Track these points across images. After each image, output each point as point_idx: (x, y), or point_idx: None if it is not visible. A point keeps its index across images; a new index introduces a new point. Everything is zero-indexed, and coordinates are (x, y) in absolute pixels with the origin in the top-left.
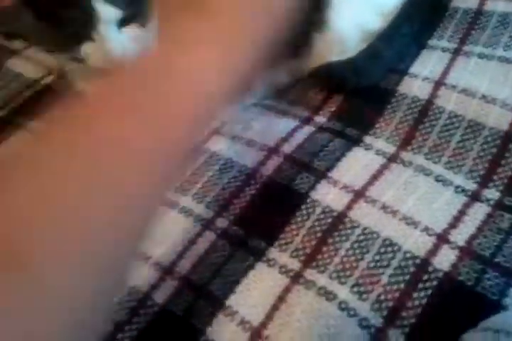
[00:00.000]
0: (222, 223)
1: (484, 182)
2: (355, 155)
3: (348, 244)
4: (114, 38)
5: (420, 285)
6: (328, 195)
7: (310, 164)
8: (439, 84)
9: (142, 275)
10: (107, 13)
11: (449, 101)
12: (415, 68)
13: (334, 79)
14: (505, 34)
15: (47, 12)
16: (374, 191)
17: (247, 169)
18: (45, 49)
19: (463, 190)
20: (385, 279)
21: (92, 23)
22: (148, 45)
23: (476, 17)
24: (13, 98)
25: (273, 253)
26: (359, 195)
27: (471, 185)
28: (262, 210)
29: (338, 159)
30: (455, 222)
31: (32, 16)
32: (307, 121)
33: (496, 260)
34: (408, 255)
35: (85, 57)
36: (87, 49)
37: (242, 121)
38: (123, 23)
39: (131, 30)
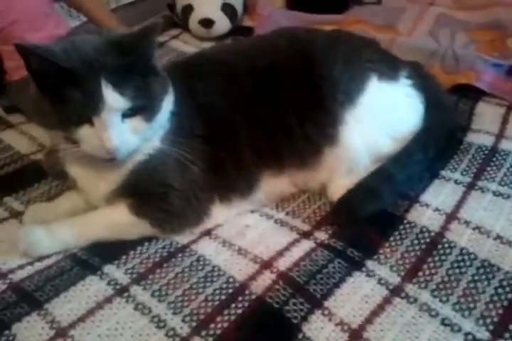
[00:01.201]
0: None
1: (498, 332)
2: (356, 282)
3: None
4: (114, 127)
5: None
6: (322, 332)
7: (305, 287)
8: (450, 217)
9: None
10: (114, 101)
11: (461, 237)
12: (426, 197)
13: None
14: None
15: (52, 88)
16: (373, 332)
17: (235, 282)
18: (43, 125)
19: (474, 339)
20: None
21: (96, 108)
22: (151, 141)
23: (492, 154)
24: None
25: None
26: (356, 336)
27: (484, 334)
28: (247, 338)
29: (336, 285)
30: None
31: (37, 91)
32: (307, 235)
33: None
34: None
35: (80, 140)
36: (84, 132)
37: (237, 226)
38: (128, 113)
39: (135, 123)
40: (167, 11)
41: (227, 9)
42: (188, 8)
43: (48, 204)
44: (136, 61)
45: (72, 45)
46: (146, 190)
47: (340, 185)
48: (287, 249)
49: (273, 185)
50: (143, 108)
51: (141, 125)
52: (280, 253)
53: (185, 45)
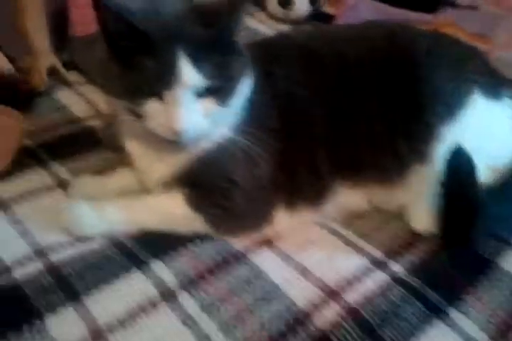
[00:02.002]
0: None
1: None
2: (436, 336)
3: None
4: (186, 106)
5: None
6: None
7: (377, 331)
8: None
9: None
10: (190, 77)
11: None
12: None
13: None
14: None
15: (125, 52)
16: None
17: (295, 307)
18: (107, 91)
19: None
20: None
21: (169, 82)
22: (221, 129)
23: None
24: (49, 130)
25: None
26: None
27: None
28: None
29: (412, 333)
30: None
31: (107, 53)
32: (380, 265)
33: None
34: None
35: (145, 115)
36: (151, 106)
37: (300, 240)
38: (201, 93)
39: (207, 105)
40: None
41: None
42: None
43: (97, 178)
44: (219, 34)
45: (152, 4)
46: (208, 182)
47: (424, 211)
48: (357, 278)
49: (346, 197)
50: (218, 89)
51: (214, 108)
52: (349, 282)
53: (260, 25)
